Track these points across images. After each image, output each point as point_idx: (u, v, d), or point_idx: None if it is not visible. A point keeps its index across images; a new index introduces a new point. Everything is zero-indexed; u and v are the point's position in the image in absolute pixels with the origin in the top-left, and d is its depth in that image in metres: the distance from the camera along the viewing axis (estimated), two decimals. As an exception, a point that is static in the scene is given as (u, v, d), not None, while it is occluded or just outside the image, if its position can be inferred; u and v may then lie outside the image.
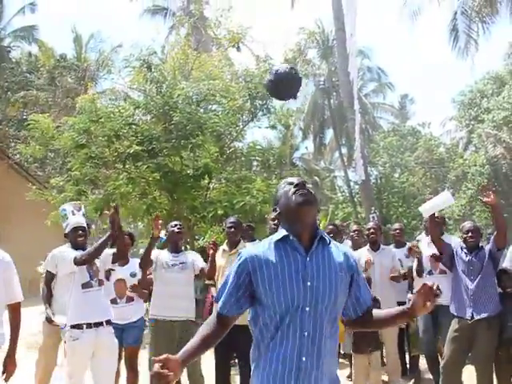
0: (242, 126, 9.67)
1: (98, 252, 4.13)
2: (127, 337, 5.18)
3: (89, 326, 4.12)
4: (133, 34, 43.52)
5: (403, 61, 66.56)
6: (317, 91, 26.31)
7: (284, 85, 3.10)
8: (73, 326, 4.12)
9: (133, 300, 5.27)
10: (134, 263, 5.31)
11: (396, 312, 2.30)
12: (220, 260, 5.04)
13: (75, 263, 4.09)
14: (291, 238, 2.17)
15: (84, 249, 4.24)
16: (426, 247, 5.60)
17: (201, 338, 2.17)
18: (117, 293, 5.15)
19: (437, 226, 5.24)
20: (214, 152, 8.90)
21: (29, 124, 9.53)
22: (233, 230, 5.05)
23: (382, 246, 6.00)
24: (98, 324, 4.18)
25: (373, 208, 12.15)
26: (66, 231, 4.33)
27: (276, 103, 9.59)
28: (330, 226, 6.25)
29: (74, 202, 4.96)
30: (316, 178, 30.61)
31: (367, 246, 5.95)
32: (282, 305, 2.08)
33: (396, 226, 6.86)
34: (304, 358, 2.08)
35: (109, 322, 4.29)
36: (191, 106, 8.70)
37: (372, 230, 5.94)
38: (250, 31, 9.45)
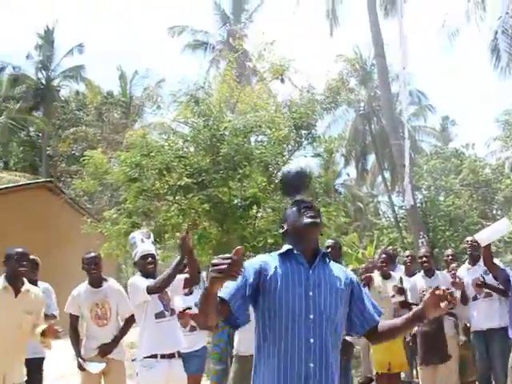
0: (287, 156, 9.82)
1: (171, 278, 4.02)
2: (190, 365, 5.05)
3: (162, 356, 4.08)
4: (175, 68, 44.77)
5: (443, 83, 65.88)
6: (357, 117, 26.35)
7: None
8: (146, 357, 4.09)
9: (195, 329, 5.26)
10: (198, 293, 5.41)
11: (410, 316, 2.36)
12: None
13: (148, 292, 4.02)
14: (295, 252, 2.32)
15: (154, 277, 4.16)
16: (466, 274, 5.71)
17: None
18: (181, 322, 5.00)
19: (490, 252, 5.23)
20: (262, 182, 9.06)
21: (81, 159, 9.92)
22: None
23: (436, 272, 5.97)
24: (171, 355, 4.15)
25: (421, 233, 11.99)
26: (136, 259, 4.33)
27: (320, 132, 9.78)
28: (384, 255, 6.24)
29: (143, 230, 5.03)
30: (359, 203, 30.43)
31: (421, 273, 5.93)
32: (287, 311, 2.20)
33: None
34: (312, 365, 2.17)
35: (180, 354, 4.25)
36: (238, 138, 8.91)
37: (425, 258, 5.91)
38: (293, 62, 9.66)
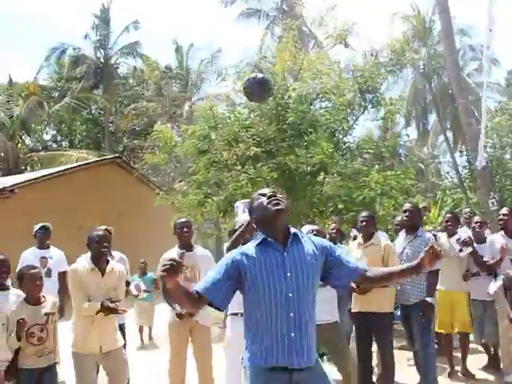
0: (352, 121, 9.77)
1: (236, 241, 4.27)
2: None
3: None
4: (230, 38, 44.65)
5: (508, 34, 62.51)
6: (417, 76, 25.58)
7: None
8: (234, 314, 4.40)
9: None
10: None
11: (404, 267, 2.78)
12: (356, 252, 5.26)
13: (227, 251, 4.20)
14: (269, 239, 2.65)
15: None
16: None
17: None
18: None
19: None
20: (328, 148, 9.08)
21: (142, 134, 10.21)
22: (365, 223, 5.23)
23: None
24: None
25: (491, 193, 11.71)
26: (236, 227, 4.59)
27: (387, 95, 9.67)
28: (449, 215, 6.21)
29: (245, 200, 5.17)
30: (420, 165, 29.80)
31: (501, 232, 5.85)
32: (270, 293, 2.55)
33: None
34: (293, 334, 2.57)
35: None
36: (303, 105, 8.94)
37: (503, 216, 5.83)
38: (355, 26, 9.52)
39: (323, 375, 2.74)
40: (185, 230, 5.00)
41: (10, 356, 4.02)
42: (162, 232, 9.28)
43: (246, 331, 2.68)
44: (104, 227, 5.54)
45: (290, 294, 2.57)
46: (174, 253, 4.97)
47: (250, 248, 2.67)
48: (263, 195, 2.71)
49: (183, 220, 5.16)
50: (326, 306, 4.41)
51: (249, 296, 2.62)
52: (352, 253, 5.28)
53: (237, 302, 2.93)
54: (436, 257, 2.62)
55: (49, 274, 6.44)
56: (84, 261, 4.31)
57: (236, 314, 4.36)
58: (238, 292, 2.69)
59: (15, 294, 4.32)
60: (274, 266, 2.59)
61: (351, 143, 9.90)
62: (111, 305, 4.10)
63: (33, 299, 4.12)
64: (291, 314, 2.56)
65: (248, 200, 5.02)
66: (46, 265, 6.44)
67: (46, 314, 4.09)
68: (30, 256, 6.49)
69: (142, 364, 6.63)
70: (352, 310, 5.28)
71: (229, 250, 5.06)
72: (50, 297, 4.23)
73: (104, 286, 4.22)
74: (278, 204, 2.65)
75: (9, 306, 4.19)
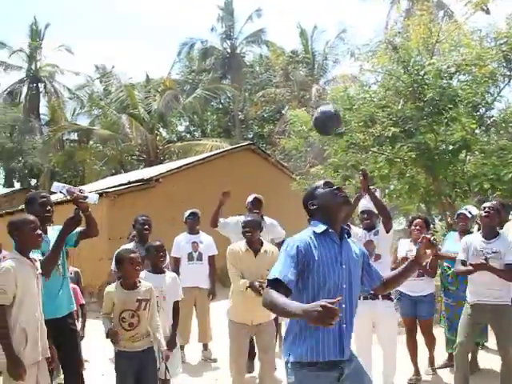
0: (496, 93, 9.15)
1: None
2: (420, 310, 5.64)
3: (365, 298, 4.65)
4: (353, 16, 43.80)
5: None
6: None
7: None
8: None
9: (423, 275, 5.54)
10: None
11: (406, 265, 2.92)
12: None
13: None
14: (330, 231, 2.71)
15: (371, 229, 5.11)
16: None
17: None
18: None
19: None
20: (470, 124, 8.61)
21: (271, 120, 10.35)
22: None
23: None
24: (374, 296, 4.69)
25: None
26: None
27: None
28: None
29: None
30: None
31: None
32: (329, 283, 2.60)
33: None
34: (344, 326, 2.65)
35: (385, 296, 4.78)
36: (442, 80, 8.54)
37: None
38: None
39: (362, 368, 2.83)
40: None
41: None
42: (299, 217, 9.47)
43: (295, 323, 2.67)
44: (254, 195, 5.91)
45: (344, 286, 2.66)
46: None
47: (309, 235, 2.71)
48: (328, 185, 2.84)
49: None
50: None
51: (306, 284, 2.63)
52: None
53: None
54: (430, 246, 2.76)
55: (200, 257, 6.88)
56: (241, 242, 4.83)
57: None
58: None
59: (171, 277, 4.75)
60: (334, 257, 2.67)
61: (496, 117, 9.29)
62: (257, 285, 4.51)
63: (129, 284, 4.11)
64: (343, 306, 2.62)
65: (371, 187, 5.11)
66: (197, 249, 6.88)
67: (137, 301, 4.05)
68: (182, 241, 6.96)
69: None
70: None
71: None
72: (146, 283, 4.20)
73: (256, 265, 4.67)
74: (345, 197, 2.79)
75: (166, 288, 4.61)
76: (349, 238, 2.83)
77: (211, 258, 6.98)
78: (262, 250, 4.75)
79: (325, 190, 2.80)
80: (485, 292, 4.63)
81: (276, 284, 2.52)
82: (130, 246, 5.59)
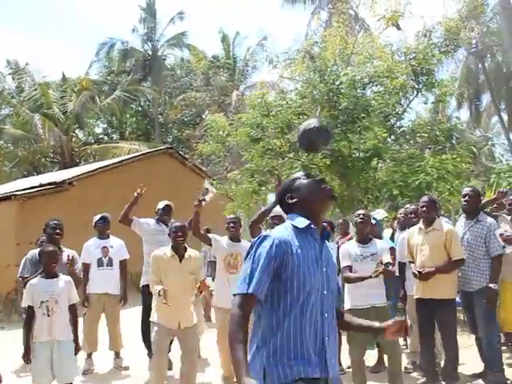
0: (405, 104, 9.60)
1: (263, 215, 4.84)
2: None
3: None
4: (276, 25, 44.45)
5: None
6: (468, 55, 24.78)
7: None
8: None
9: None
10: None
11: (371, 324, 2.48)
12: (416, 238, 5.20)
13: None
14: (312, 227, 2.30)
15: None
16: None
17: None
18: None
19: None
20: (382, 133, 8.97)
21: (191, 124, 10.31)
22: (426, 208, 5.15)
23: None
24: None
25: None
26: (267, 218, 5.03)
27: (438, 76, 9.46)
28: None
29: None
30: (472, 147, 28.92)
31: None
32: (307, 287, 2.19)
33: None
34: (327, 338, 2.24)
35: None
36: (356, 90, 8.84)
37: None
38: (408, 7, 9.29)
39: None
40: (231, 225, 5.41)
41: None
42: (215, 221, 9.44)
43: (269, 330, 2.21)
44: (166, 203, 6.02)
45: (325, 292, 2.27)
46: (224, 241, 5.44)
47: (288, 230, 2.30)
48: (309, 177, 2.43)
49: (232, 217, 5.62)
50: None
51: (284, 288, 2.22)
52: (412, 238, 5.24)
53: None
54: (402, 329, 2.35)
55: (110, 263, 6.63)
56: (166, 248, 4.90)
57: None
58: None
59: (64, 281, 4.65)
60: (314, 258, 2.27)
61: (405, 127, 9.74)
62: (162, 292, 4.51)
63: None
64: (325, 315, 2.26)
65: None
66: (107, 254, 6.62)
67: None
68: (91, 246, 6.69)
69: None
70: (414, 296, 5.24)
71: (251, 227, 5.24)
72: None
73: (182, 270, 4.76)
74: (330, 191, 2.41)
75: (58, 292, 4.54)
76: (327, 240, 2.42)
77: (122, 263, 6.79)
78: (186, 255, 4.83)
79: (307, 182, 2.39)
80: (364, 296, 4.82)
81: (246, 297, 2.17)
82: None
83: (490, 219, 5.26)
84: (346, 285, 5.02)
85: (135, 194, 6.16)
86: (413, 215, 5.95)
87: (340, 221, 7.10)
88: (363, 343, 4.94)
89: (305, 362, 2.17)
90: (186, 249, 4.88)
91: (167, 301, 4.43)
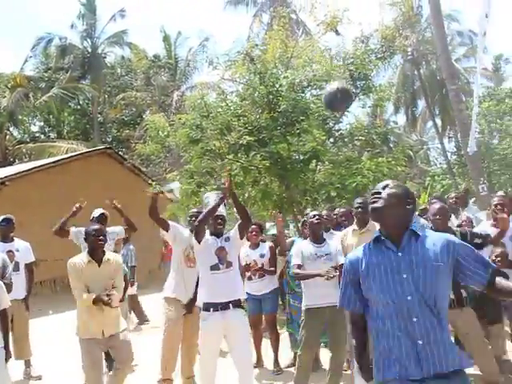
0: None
1: (209, 214, 4.58)
2: (265, 305, 6.19)
3: (215, 309, 4.52)
4: (218, 26, 44.35)
5: (497, 20, 62.60)
6: (405, 62, 25.63)
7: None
8: (203, 310, 4.60)
9: (264, 276, 6.17)
10: (264, 246, 6.34)
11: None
12: (351, 239, 5.30)
13: (195, 230, 4.68)
14: (382, 238, 2.50)
15: (222, 235, 4.79)
16: None
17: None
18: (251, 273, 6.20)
19: None
20: (320, 136, 9.10)
21: (131, 124, 10.14)
22: (361, 209, 5.25)
23: None
24: (225, 307, 4.53)
25: (481, 179, 11.81)
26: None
27: (376, 82, 9.71)
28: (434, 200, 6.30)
29: (218, 192, 5.30)
30: (409, 151, 29.90)
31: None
32: (385, 297, 2.38)
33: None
34: (420, 342, 2.32)
35: (237, 304, 4.62)
36: (295, 93, 8.93)
37: (499, 206, 5.51)
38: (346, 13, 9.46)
39: None
40: (193, 219, 5.22)
41: None
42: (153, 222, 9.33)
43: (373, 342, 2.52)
44: (101, 211, 5.88)
45: (409, 297, 2.34)
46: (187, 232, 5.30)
47: (364, 248, 2.56)
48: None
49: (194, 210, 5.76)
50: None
51: (367, 300, 2.53)
52: (346, 240, 5.33)
53: None
54: None
55: (17, 267, 6.28)
56: (82, 254, 4.70)
57: (207, 310, 4.61)
58: None
59: None
60: (388, 267, 2.41)
61: (343, 130, 9.93)
62: (105, 298, 4.39)
63: None
64: (414, 320, 2.33)
65: (219, 192, 5.13)
66: (12, 258, 6.18)
67: None
68: None
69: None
70: None
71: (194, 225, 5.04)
72: None
73: (101, 276, 4.55)
74: (373, 202, 2.50)
75: None
76: (416, 240, 2.44)
77: (29, 266, 6.54)
78: (105, 259, 4.66)
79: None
80: (321, 295, 4.89)
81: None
82: None
83: (422, 220, 5.43)
84: (303, 284, 5.09)
85: (74, 208, 6.05)
86: (343, 218, 6.15)
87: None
88: (313, 344, 5.04)
89: (400, 365, 2.35)
90: (104, 252, 4.68)
91: (112, 304, 4.37)
